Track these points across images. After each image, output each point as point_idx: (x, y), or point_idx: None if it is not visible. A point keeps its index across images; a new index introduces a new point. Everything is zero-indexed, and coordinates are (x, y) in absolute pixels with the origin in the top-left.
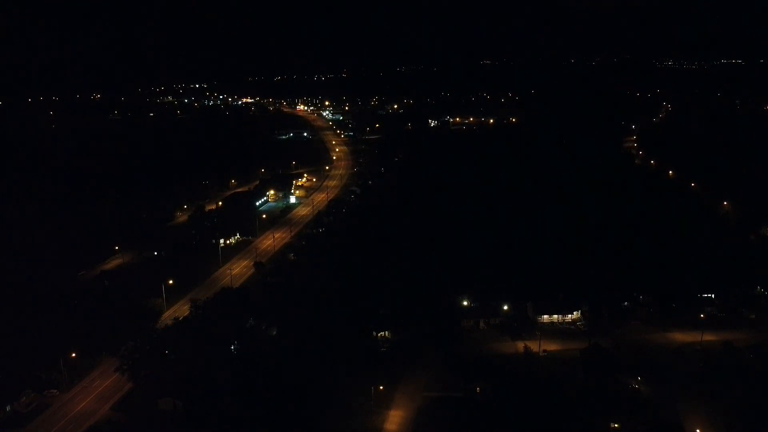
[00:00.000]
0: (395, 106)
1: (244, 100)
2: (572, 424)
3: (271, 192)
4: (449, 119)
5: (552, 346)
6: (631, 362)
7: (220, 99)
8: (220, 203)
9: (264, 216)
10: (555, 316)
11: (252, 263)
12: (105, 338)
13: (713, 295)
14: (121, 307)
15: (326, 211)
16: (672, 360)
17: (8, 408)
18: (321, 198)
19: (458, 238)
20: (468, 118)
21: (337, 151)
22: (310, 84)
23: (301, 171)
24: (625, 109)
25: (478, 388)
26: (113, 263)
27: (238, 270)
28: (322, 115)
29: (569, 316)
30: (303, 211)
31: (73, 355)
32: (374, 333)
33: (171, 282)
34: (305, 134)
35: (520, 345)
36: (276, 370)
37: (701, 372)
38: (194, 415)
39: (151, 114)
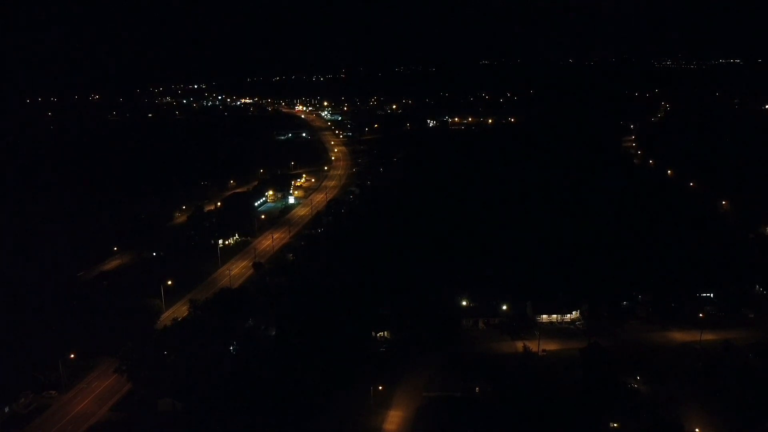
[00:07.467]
0: (394, 106)
1: (243, 100)
2: (572, 423)
3: (270, 192)
4: (448, 119)
5: (551, 346)
6: (631, 361)
7: (218, 99)
8: (219, 204)
9: (263, 216)
10: (554, 315)
11: (251, 264)
12: (104, 339)
13: (713, 294)
14: (121, 308)
15: (325, 212)
16: (672, 359)
17: (7, 409)
18: (320, 198)
19: (457, 237)
20: (467, 118)
21: (336, 151)
22: (309, 84)
23: (299, 171)
24: (625, 108)
25: (477, 388)
26: (113, 263)
27: (237, 270)
28: (321, 115)
29: (568, 315)
30: (302, 211)
31: (72, 355)
32: (374, 333)
33: (170, 282)
34: (304, 134)
35: (520, 344)
36: (275, 371)
37: (701, 371)
38: (194, 415)
39: (150, 114)
